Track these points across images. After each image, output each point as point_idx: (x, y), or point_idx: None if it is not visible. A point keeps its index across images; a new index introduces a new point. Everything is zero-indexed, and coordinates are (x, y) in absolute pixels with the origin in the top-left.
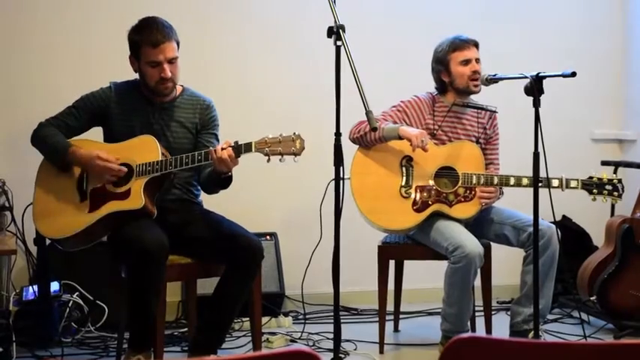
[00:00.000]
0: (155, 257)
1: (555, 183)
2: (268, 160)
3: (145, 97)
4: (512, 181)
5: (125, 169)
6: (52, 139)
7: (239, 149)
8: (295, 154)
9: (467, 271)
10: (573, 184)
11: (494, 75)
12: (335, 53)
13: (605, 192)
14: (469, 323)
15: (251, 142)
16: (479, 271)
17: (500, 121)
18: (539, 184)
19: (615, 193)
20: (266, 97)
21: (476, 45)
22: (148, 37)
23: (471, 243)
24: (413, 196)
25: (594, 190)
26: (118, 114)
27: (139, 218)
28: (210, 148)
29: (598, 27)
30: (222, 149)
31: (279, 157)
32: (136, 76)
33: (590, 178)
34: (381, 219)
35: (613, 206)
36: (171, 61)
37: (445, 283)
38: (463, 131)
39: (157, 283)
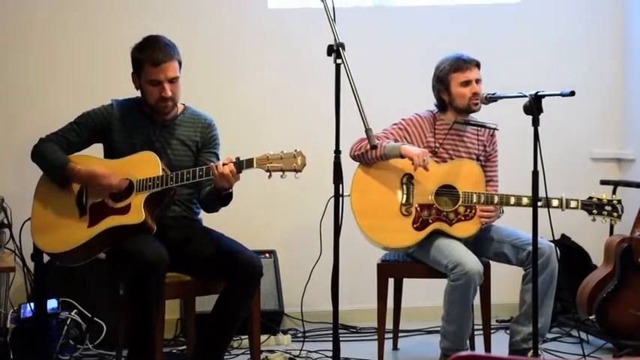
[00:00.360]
0: (155, 269)
1: (555, 203)
2: (270, 176)
3: (146, 115)
4: (512, 200)
5: (127, 181)
6: (52, 154)
7: (240, 165)
8: (297, 171)
9: (466, 288)
10: (573, 204)
11: (494, 94)
12: (335, 71)
13: (605, 212)
14: (468, 342)
15: (252, 158)
16: (478, 289)
17: (499, 140)
18: (539, 204)
19: (615, 214)
20: (266, 115)
21: (477, 65)
22: (150, 55)
23: (470, 261)
24: (413, 214)
25: (594, 211)
26: (119, 131)
27: (139, 233)
28: (212, 164)
29: (597, 46)
30: (224, 165)
31: (281, 173)
32: (137, 93)
33: (590, 198)
34: (382, 237)
35: (612, 225)
36: (172, 80)
37: (445, 300)
38: (464, 149)
39: (157, 296)
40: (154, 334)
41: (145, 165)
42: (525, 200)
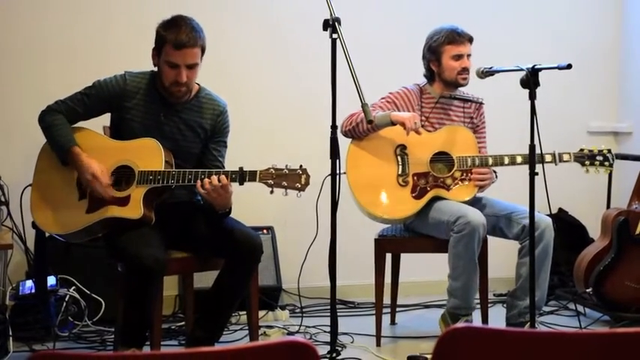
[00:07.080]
0: (151, 276)
1: (548, 158)
2: (272, 192)
3: (159, 96)
4: (506, 160)
5: (113, 193)
6: (59, 130)
7: (243, 176)
8: (300, 190)
9: (471, 238)
10: (566, 157)
11: (490, 68)
12: (331, 46)
13: (597, 162)
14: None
15: (256, 171)
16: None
17: (495, 114)
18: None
19: (606, 163)
20: (260, 93)
21: (470, 40)
22: (174, 36)
23: (473, 213)
24: (410, 184)
25: (586, 162)
26: (130, 109)
27: (137, 227)
28: (197, 182)
29: (594, 19)
30: (212, 180)
31: (283, 190)
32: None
33: (582, 150)
34: (382, 210)
35: (609, 198)
36: (191, 66)
37: (449, 255)
38: (449, 122)
39: (152, 297)
40: (150, 321)
41: (148, 154)
42: (519, 159)
